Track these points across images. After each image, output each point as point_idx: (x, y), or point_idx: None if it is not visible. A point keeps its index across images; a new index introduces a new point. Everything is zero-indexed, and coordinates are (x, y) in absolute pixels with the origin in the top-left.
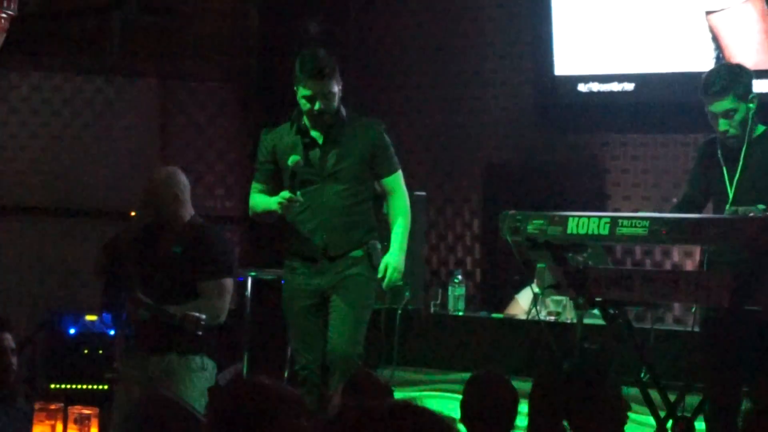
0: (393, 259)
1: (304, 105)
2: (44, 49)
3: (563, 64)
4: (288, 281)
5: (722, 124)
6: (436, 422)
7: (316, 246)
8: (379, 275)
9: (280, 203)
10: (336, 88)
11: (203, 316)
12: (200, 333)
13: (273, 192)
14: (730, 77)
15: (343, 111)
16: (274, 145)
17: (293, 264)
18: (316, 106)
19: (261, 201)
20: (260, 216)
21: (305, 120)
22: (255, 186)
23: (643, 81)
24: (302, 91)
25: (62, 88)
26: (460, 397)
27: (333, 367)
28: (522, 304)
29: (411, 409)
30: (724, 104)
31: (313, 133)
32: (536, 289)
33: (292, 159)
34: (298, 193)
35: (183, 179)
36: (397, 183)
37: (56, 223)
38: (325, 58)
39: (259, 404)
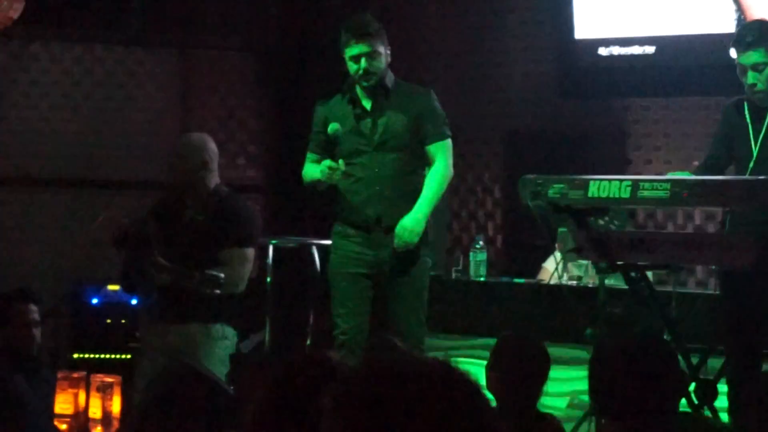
0: (410, 222)
1: (351, 67)
2: (65, 19)
3: (583, 28)
4: (339, 246)
5: (751, 77)
6: (465, 382)
7: (368, 217)
8: (396, 239)
9: (322, 171)
10: (382, 50)
11: (222, 275)
12: (219, 292)
13: None
14: (763, 31)
15: (392, 78)
16: (326, 116)
17: (347, 230)
18: (362, 65)
19: (310, 170)
20: (311, 185)
21: (358, 90)
22: (309, 156)
23: (664, 44)
24: (348, 52)
25: (83, 58)
26: (482, 362)
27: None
28: (549, 269)
29: (440, 366)
30: (755, 57)
31: (364, 103)
32: (558, 254)
33: (332, 127)
34: (341, 161)
35: (213, 146)
36: (440, 151)
37: (78, 194)
38: (371, 20)
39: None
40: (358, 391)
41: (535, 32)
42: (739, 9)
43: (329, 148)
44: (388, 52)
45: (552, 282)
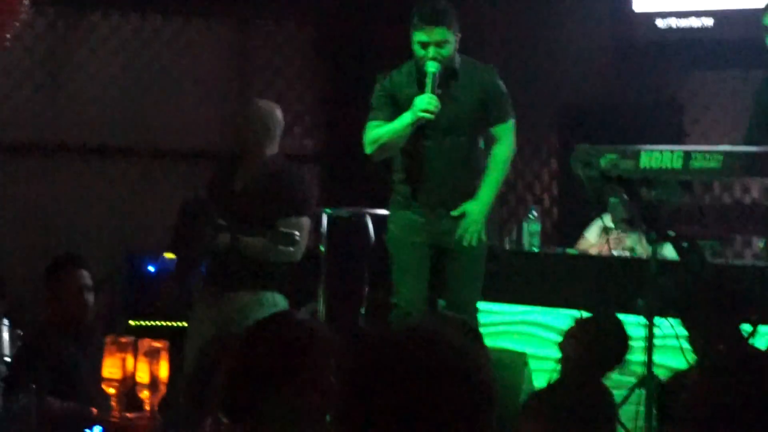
0: (477, 212)
1: (418, 51)
2: None
3: (642, 0)
4: (401, 216)
5: None
6: (452, 348)
7: (432, 199)
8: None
9: (415, 110)
10: (452, 38)
11: (296, 232)
12: (292, 249)
13: None
14: None
15: (458, 59)
16: (393, 94)
17: (409, 202)
18: (430, 53)
19: (388, 125)
20: (387, 142)
21: (427, 74)
22: (373, 124)
23: (722, 17)
24: (417, 36)
25: (141, 28)
26: (533, 331)
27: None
28: (590, 239)
29: (427, 334)
30: None
31: None
32: (609, 224)
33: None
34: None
35: (279, 115)
36: (505, 132)
37: (135, 164)
38: (443, 6)
39: (293, 340)
40: (354, 359)
41: (592, 4)
42: None
43: (395, 117)
44: (458, 36)
45: (598, 252)
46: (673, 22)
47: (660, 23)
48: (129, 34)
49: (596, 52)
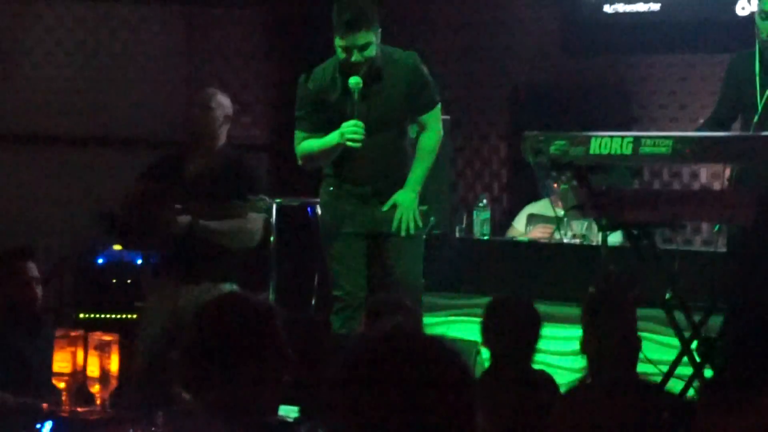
0: (407, 197)
1: (341, 54)
2: None
3: None
4: (332, 205)
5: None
6: (431, 345)
7: (365, 191)
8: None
9: (342, 134)
10: (373, 37)
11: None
12: (258, 217)
13: None
14: None
15: (380, 55)
16: (317, 99)
17: (341, 191)
18: (353, 58)
19: (316, 142)
20: (316, 158)
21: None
22: (298, 134)
23: (669, 1)
24: (338, 41)
25: (87, 17)
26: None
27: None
28: (517, 227)
29: (405, 333)
30: None
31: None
32: (560, 212)
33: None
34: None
35: (229, 105)
36: (432, 118)
37: (83, 153)
38: (363, 8)
39: (248, 312)
40: (357, 367)
41: None
42: None
43: (322, 126)
44: (379, 34)
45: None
46: (620, 7)
47: (607, 8)
48: (74, 23)
49: (544, 37)
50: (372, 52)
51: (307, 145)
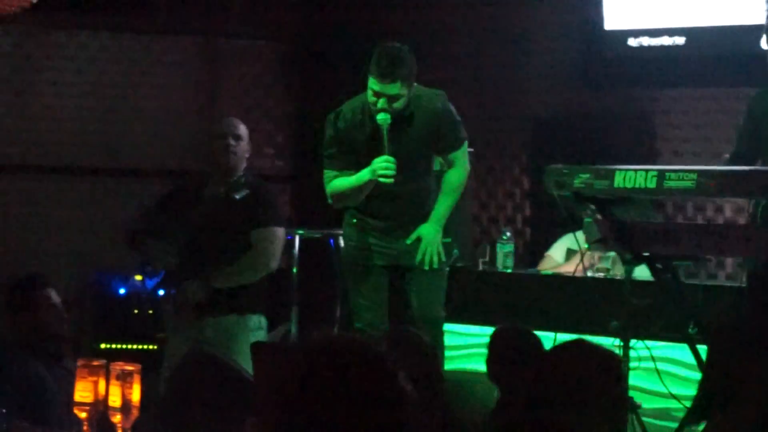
0: (430, 231)
1: (370, 97)
2: (91, 7)
3: (613, 19)
4: (355, 238)
5: None
6: (371, 358)
7: (388, 225)
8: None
9: (373, 170)
10: (405, 91)
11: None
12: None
13: None
14: None
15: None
16: (345, 139)
17: (364, 224)
18: (379, 105)
19: (347, 180)
20: (348, 196)
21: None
22: (331, 174)
23: (694, 35)
24: (371, 84)
25: (109, 47)
26: None
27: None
28: (555, 257)
29: (349, 344)
30: None
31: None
32: (584, 244)
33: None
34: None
35: (247, 134)
36: (458, 157)
37: (103, 183)
38: (402, 60)
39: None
40: (287, 370)
41: (564, 22)
42: None
43: (351, 164)
44: (413, 87)
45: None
46: (645, 41)
47: (632, 42)
48: (96, 52)
49: (568, 70)
50: (400, 104)
51: (338, 183)
